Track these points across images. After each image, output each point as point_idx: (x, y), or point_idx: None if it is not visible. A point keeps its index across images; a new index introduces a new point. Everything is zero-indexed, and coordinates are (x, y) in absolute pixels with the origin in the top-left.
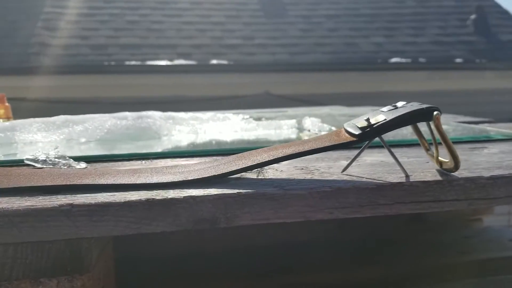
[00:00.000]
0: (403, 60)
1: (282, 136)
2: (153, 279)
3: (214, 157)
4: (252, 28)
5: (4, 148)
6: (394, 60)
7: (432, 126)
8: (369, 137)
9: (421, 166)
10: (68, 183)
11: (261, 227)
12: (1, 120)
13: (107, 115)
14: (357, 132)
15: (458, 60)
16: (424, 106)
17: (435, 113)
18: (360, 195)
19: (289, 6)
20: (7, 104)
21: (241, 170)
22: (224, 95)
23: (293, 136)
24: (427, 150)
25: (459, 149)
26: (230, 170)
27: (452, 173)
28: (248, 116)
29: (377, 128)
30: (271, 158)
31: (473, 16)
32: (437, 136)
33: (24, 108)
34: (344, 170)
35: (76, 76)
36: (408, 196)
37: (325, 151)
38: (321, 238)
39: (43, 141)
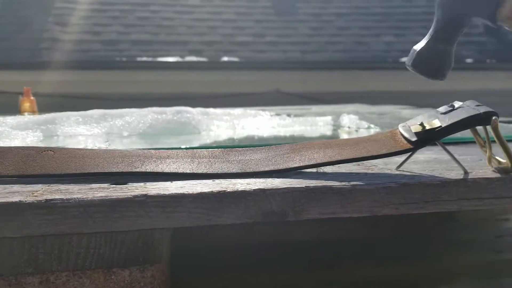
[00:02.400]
0: None
1: (318, 132)
2: (199, 272)
3: (267, 146)
4: (263, 26)
5: (49, 140)
6: (404, 59)
7: (489, 129)
8: (425, 144)
9: (477, 164)
10: (132, 170)
11: (296, 224)
12: (26, 113)
13: (145, 109)
14: (413, 138)
15: (469, 60)
16: (482, 110)
17: (493, 118)
18: (425, 191)
19: (299, 3)
20: (32, 97)
21: (299, 168)
22: (235, 93)
23: (329, 132)
24: (482, 146)
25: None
26: (288, 166)
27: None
28: (273, 113)
29: (433, 135)
30: (328, 159)
31: None
32: (491, 135)
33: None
34: (398, 167)
35: (87, 71)
36: (471, 192)
37: (384, 157)
38: (354, 236)
39: (86, 134)
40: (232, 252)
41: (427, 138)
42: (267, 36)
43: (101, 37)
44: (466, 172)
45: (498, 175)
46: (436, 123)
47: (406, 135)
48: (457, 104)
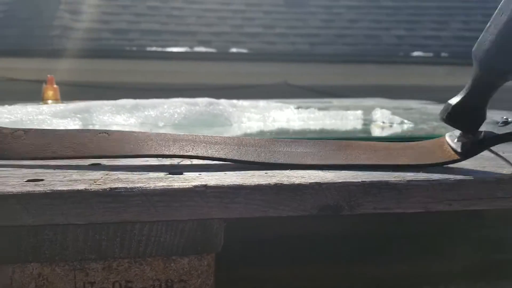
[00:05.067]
0: (425, 54)
1: (350, 126)
2: (238, 262)
3: (313, 140)
4: (273, 17)
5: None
6: (415, 54)
7: None
8: (472, 155)
9: None
10: (184, 154)
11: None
12: (50, 101)
13: (176, 100)
14: (459, 149)
15: None
16: None
17: None
18: (479, 188)
19: None
20: (55, 86)
21: (348, 166)
22: (243, 84)
23: (361, 127)
24: None
25: None
26: (336, 163)
27: None
28: (296, 106)
29: (480, 147)
30: (376, 162)
31: None
32: None
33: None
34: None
35: (97, 60)
36: None
37: (433, 166)
38: (376, 231)
39: (122, 123)
40: (268, 243)
41: (474, 149)
42: (276, 27)
43: (111, 26)
44: None
45: None
46: (481, 136)
47: (453, 146)
48: (511, 118)
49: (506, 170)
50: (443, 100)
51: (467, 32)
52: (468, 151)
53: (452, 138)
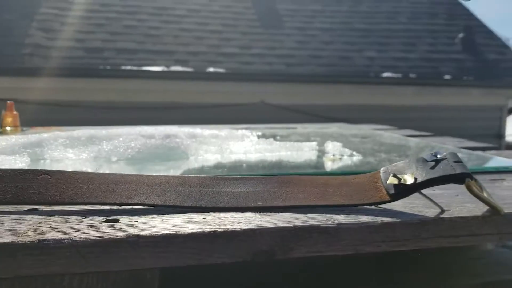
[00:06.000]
0: (395, 75)
1: (304, 158)
2: None
3: (257, 177)
4: (249, 38)
5: (36, 165)
6: (386, 74)
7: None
8: (402, 197)
9: (453, 200)
10: (125, 201)
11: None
12: (9, 128)
13: (134, 131)
14: (391, 191)
15: (447, 76)
16: (458, 170)
17: (466, 180)
18: (405, 229)
19: (285, 17)
20: (15, 112)
21: (285, 208)
22: (220, 103)
23: (315, 158)
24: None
25: (479, 180)
26: (274, 205)
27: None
28: (260, 133)
29: (408, 191)
30: (313, 202)
31: (461, 35)
32: None
33: (16, 110)
34: (377, 204)
35: (70, 79)
36: (448, 230)
37: (367, 205)
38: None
39: (74, 158)
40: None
41: (403, 192)
42: (253, 48)
43: (85, 45)
44: (443, 211)
45: (472, 213)
46: (410, 179)
47: (385, 185)
48: (439, 155)
49: (432, 210)
50: (411, 118)
51: (434, 54)
52: (398, 193)
53: (385, 175)
